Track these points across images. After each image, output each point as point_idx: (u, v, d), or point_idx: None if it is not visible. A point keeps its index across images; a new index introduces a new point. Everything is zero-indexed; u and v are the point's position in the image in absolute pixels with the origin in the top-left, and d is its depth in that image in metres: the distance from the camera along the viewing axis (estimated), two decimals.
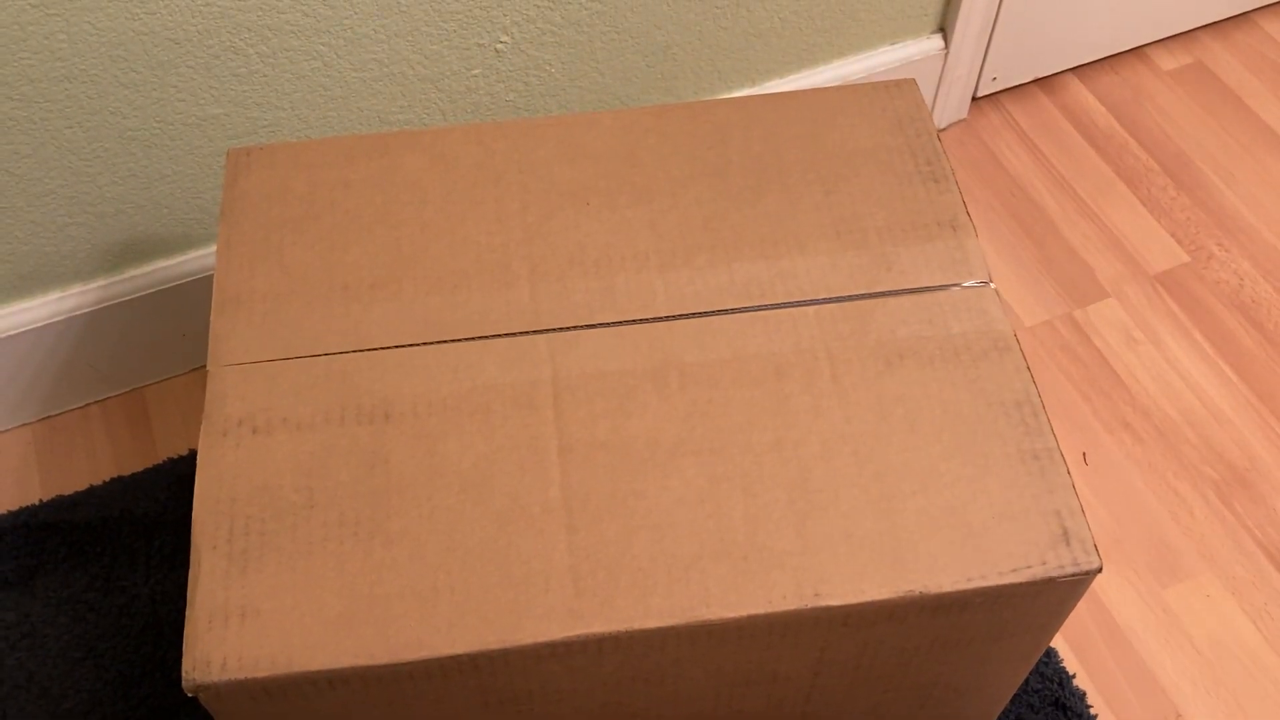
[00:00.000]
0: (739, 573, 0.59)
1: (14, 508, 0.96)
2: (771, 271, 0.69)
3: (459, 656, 0.57)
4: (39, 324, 0.94)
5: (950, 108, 1.20)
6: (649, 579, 0.58)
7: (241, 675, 0.56)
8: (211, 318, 0.67)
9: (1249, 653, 0.90)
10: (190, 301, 0.98)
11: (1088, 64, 1.27)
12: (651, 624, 0.58)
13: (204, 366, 1.05)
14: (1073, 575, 0.59)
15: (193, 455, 0.98)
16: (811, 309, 0.67)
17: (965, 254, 0.70)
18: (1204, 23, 1.29)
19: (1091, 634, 0.91)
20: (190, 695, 0.56)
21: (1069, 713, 0.86)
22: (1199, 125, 1.22)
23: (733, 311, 0.67)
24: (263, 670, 0.56)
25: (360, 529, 0.60)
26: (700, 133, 0.75)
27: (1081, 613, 0.92)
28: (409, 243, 0.70)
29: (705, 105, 0.77)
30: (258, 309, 0.67)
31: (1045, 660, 0.88)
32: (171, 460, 0.97)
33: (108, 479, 0.97)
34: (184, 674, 0.56)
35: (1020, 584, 0.59)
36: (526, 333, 0.66)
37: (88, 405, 1.02)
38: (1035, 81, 1.26)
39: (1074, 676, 0.88)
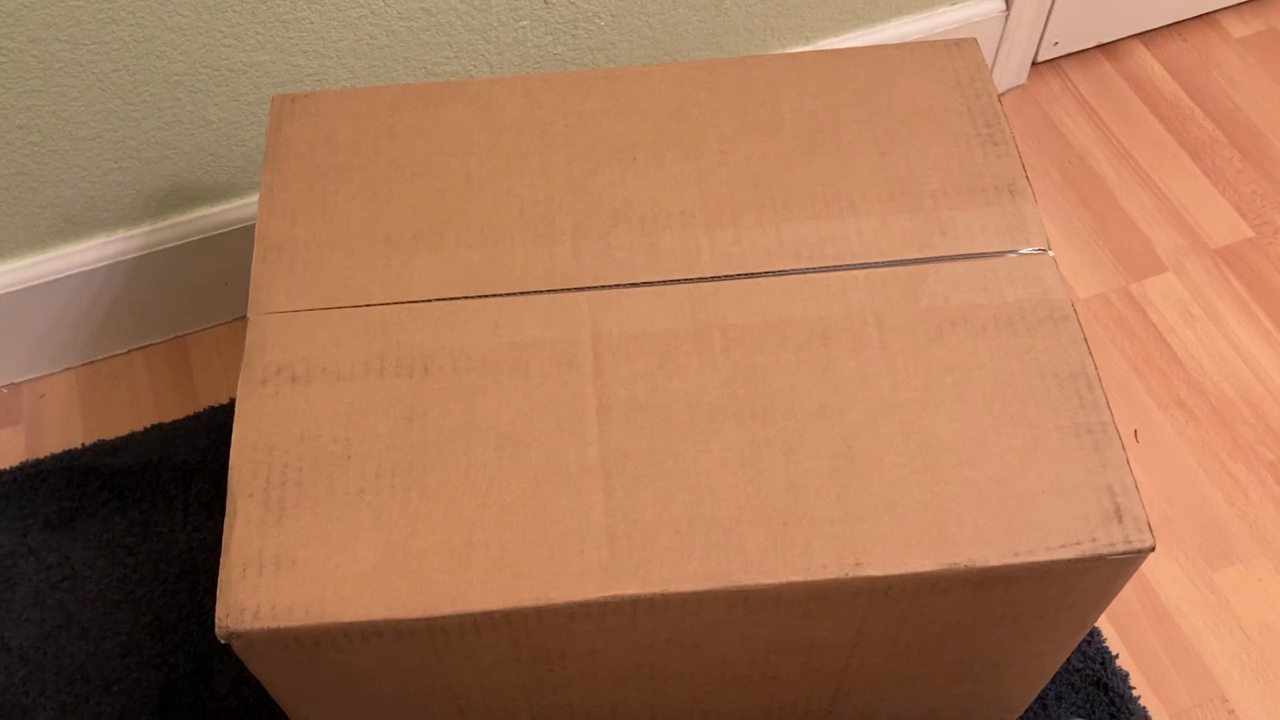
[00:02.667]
0: (778, 539, 0.57)
1: (57, 450, 0.97)
2: (821, 233, 0.67)
3: (492, 613, 0.56)
4: (84, 268, 0.94)
5: (1010, 72, 1.17)
6: (686, 542, 0.57)
7: (275, 624, 0.55)
8: (253, 265, 0.66)
9: None
10: (233, 250, 0.98)
11: (1154, 30, 1.23)
12: (687, 588, 0.57)
13: (245, 315, 1.05)
14: (1124, 554, 0.57)
15: (233, 404, 0.98)
16: (861, 273, 0.66)
17: (1023, 220, 0.68)
18: None
19: (1136, 614, 0.89)
20: (224, 642, 0.56)
21: (1110, 693, 0.84)
22: (1269, 95, 1.18)
23: (780, 273, 0.66)
24: (296, 620, 0.55)
25: (397, 481, 0.59)
26: (752, 89, 0.73)
27: (1127, 592, 0.90)
28: (452, 194, 0.69)
29: (757, 61, 0.74)
30: (299, 257, 0.67)
31: (1088, 639, 0.87)
32: (212, 409, 0.98)
33: (148, 425, 0.97)
34: (217, 621, 0.56)
35: (1069, 560, 0.57)
36: (568, 289, 0.65)
37: (131, 352, 1.03)
38: (1099, 47, 1.22)
39: (1117, 656, 0.86)
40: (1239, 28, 1.23)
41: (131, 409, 0.99)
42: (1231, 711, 0.85)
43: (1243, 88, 1.18)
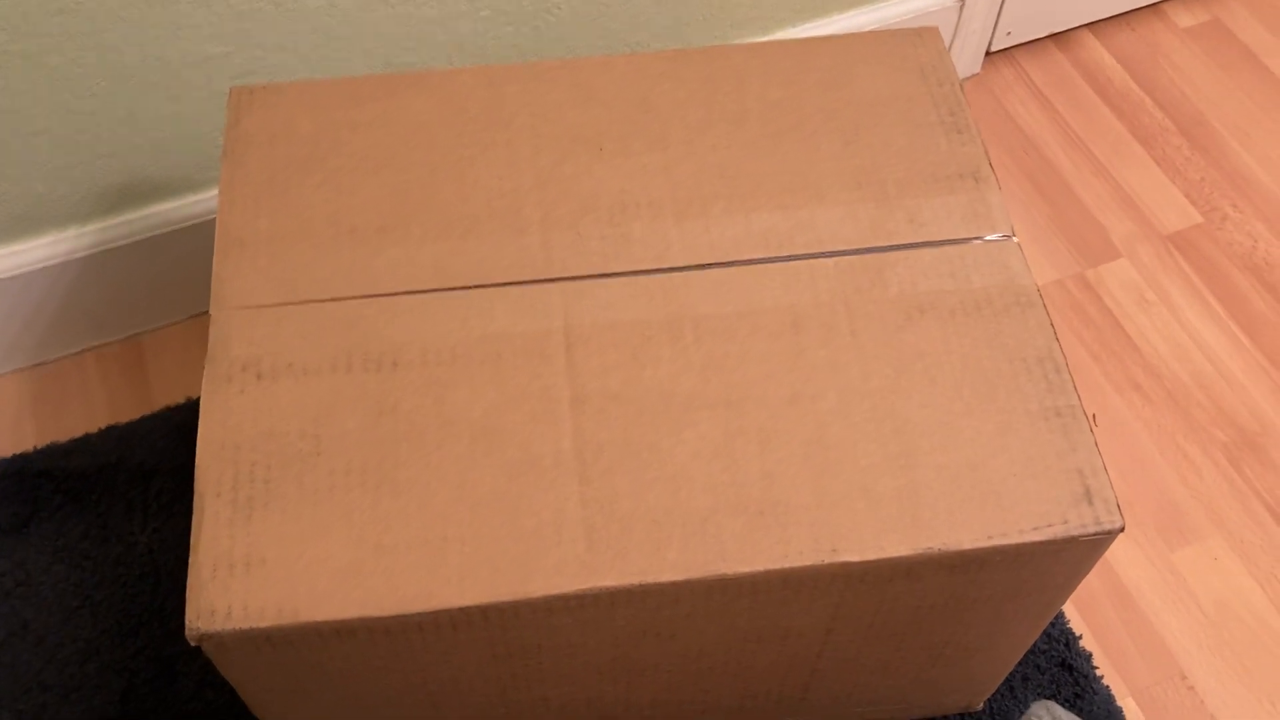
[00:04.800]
0: (755, 527, 0.58)
1: (6, 455, 0.94)
2: (789, 222, 0.67)
3: (468, 608, 0.56)
4: (33, 267, 0.92)
5: (964, 62, 1.18)
6: (663, 532, 0.57)
7: (246, 625, 0.54)
8: (214, 260, 0.65)
9: (1255, 615, 0.89)
10: (189, 246, 0.96)
11: (1104, 20, 1.24)
12: (665, 578, 0.56)
13: (203, 313, 1.03)
14: (1094, 534, 0.58)
15: (191, 404, 0.96)
16: (830, 261, 0.66)
17: (988, 207, 0.68)
18: None
19: (1098, 595, 0.90)
20: (194, 645, 0.55)
21: (1075, 673, 0.85)
22: (1215, 84, 1.20)
23: (750, 263, 0.66)
24: (268, 620, 0.55)
25: (368, 478, 0.58)
26: (717, 79, 0.73)
27: (1089, 575, 0.91)
28: (418, 186, 0.68)
29: (722, 50, 0.74)
30: (262, 251, 0.65)
31: (1052, 621, 0.88)
32: (169, 408, 0.96)
33: (103, 427, 0.95)
34: (187, 623, 0.54)
35: (1041, 543, 0.58)
36: (538, 281, 0.65)
37: (83, 352, 1.00)
38: (1050, 37, 1.23)
39: (1080, 637, 0.87)
40: (1185, 18, 1.25)
41: (85, 410, 0.97)
42: (1191, 687, 0.86)
43: (1189, 77, 1.21)
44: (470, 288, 0.64)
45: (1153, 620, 0.89)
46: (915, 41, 0.75)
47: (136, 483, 0.91)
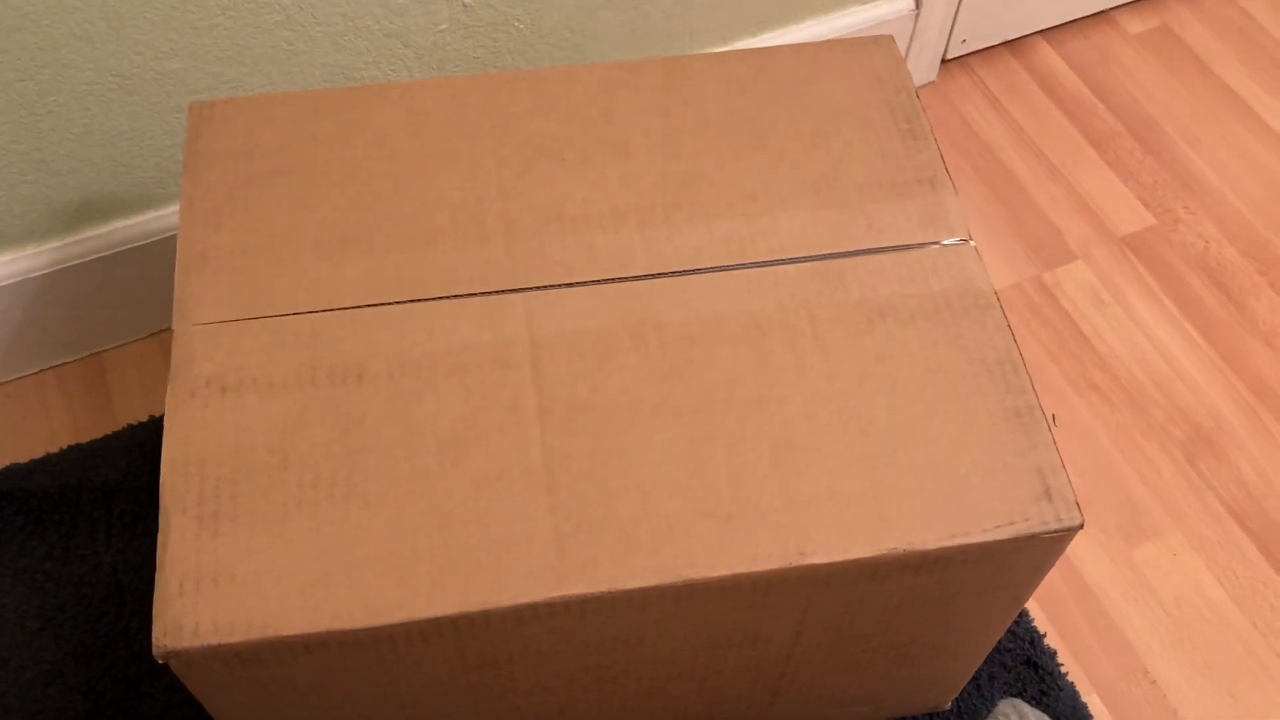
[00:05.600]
0: (724, 532, 0.58)
1: None
2: (752, 229, 0.68)
3: (439, 619, 0.56)
4: None
5: (920, 70, 1.20)
6: (633, 539, 0.58)
7: (215, 640, 0.54)
8: (176, 275, 0.65)
9: (1214, 610, 0.91)
10: (149, 263, 0.95)
11: (1056, 27, 1.27)
12: (636, 584, 0.57)
13: (164, 331, 1.02)
14: (1055, 531, 0.59)
15: (153, 421, 0.95)
16: (792, 267, 0.67)
17: (945, 211, 0.69)
18: None
19: (1061, 593, 0.92)
20: (161, 662, 0.54)
21: (1040, 670, 0.86)
22: (1166, 89, 1.22)
23: (713, 270, 0.66)
24: (237, 635, 0.54)
25: (336, 490, 0.58)
26: (677, 88, 0.74)
27: (1051, 573, 0.93)
28: (381, 199, 0.68)
29: (682, 61, 0.75)
30: (225, 266, 0.65)
31: (1017, 620, 0.89)
32: (131, 427, 0.95)
33: (65, 446, 0.94)
34: (154, 640, 0.54)
35: (1003, 540, 0.59)
36: (503, 291, 0.65)
37: (42, 371, 0.99)
38: (1004, 44, 1.25)
39: (1044, 635, 0.89)
40: (1135, 25, 1.28)
41: (45, 430, 0.96)
42: (1153, 682, 0.88)
43: (1140, 82, 1.23)
44: (435, 299, 0.64)
45: (1114, 617, 0.91)
46: (871, 50, 0.76)
47: (99, 502, 0.90)
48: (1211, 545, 0.94)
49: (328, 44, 0.87)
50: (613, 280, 0.66)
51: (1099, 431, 1.00)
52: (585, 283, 0.65)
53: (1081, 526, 0.60)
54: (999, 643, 0.88)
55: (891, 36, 0.77)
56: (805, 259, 0.67)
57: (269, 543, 0.57)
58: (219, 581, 0.56)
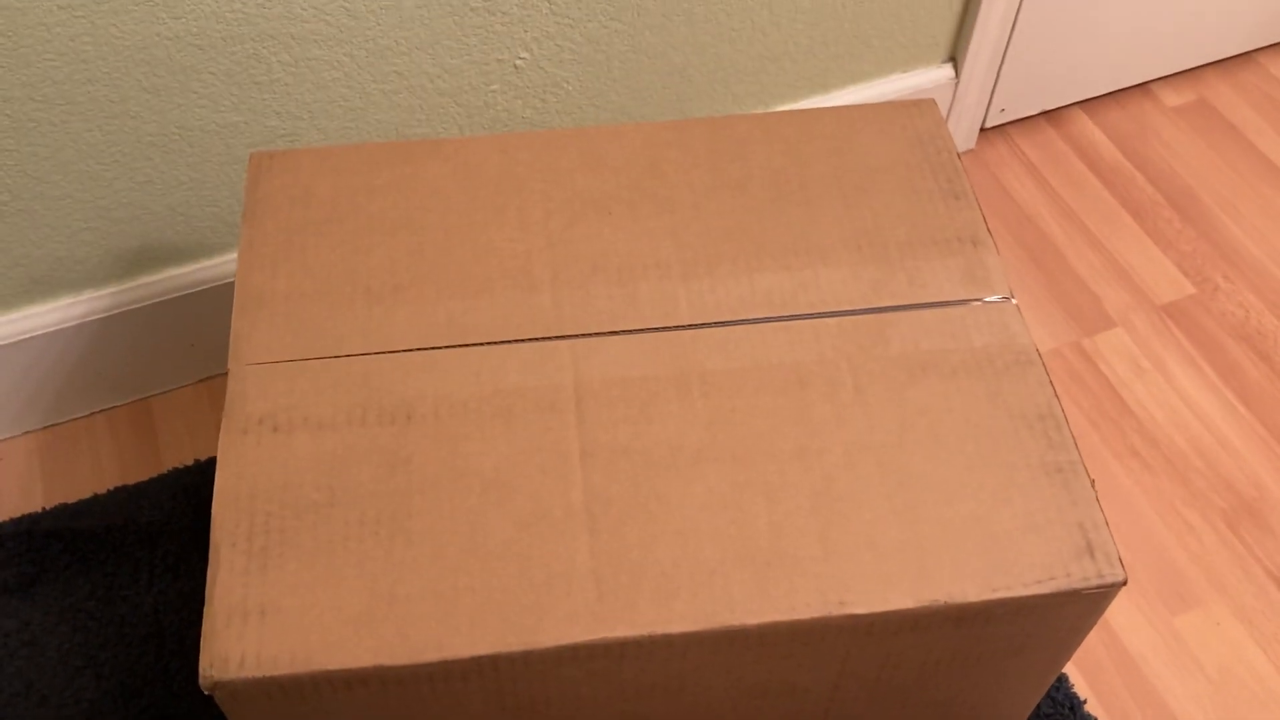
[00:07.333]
0: (762, 579, 0.58)
1: (16, 515, 0.95)
2: (793, 282, 0.69)
3: (479, 658, 0.56)
4: (48, 329, 0.93)
5: (959, 137, 1.21)
6: (672, 584, 0.58)
7: (260, 673, 0.55)
8: (233, 317, 0.67)
9: (1259, 680, 0.89)
10: (201, 311, 0.98)
11: (1094, 98, 1.28)
12: (674, 629, 0.57)
13: (212, 377, 1.04)
14: (1097, 587, 0.59)
15: (199, 465, 0.97)
16: (834, 320, 0.68)
17: (986, 269, 0.70)
18: (1207, 61, 1.31)
19: (1102, 660, 0.90)
20: (207, 693, 0.55)
21: None
22: (1203, 160, 1.23)
23: (755, 321, 0.67)
24: (281, 668, 0.55)
25: (381, 528, 0.59)
26: (721, 146, 0.76)
27: (1092, 639, 0.92)
28: (432, 247, 0.70)
29: (726, 120, 0.77)
30: (280, 309, 0.67)
31: (1056, 686, 0.88)
32: (177, 470, 0.97)
33: (112, 487, 0.96)
34: (201, 671, 0.55)
35: (1044, 595, 0.59)
36: (549, 338, 0.66)
37: (93, 414, 1.02)
38: (1042, 114, 1.27)
39: (1085, 702, 0.87)
40: (1172, 97, 1.29)
41: (94, 471, 0.98)
42: None
43: (1178, 153, 1.24)
44: (483, 344, 0.66)
45: (1157, 686, 0.89)
46: (913, 112, 0.78)
47: (143, 543, 0.92)
48: (1256, 615, 0.93)
49: (383, 101, 0.90)
50: (657, 329, 0.67)
51: (1140, 499, 0.99)
52: (630, 331, 0.66)
53: (1125, 583, 0.59)
54: (1038, 709, 0.87)
55: (933, 100, 0.79)
56: (847, 313, 0.68)
57: (315, 578, 0.58)
58: (265, 615, 0.56)
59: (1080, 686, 0.89)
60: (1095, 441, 1.02)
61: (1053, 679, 0.69)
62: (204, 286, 0.97)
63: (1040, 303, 1.12)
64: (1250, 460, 1.01)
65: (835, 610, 0.58)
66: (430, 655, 0.56)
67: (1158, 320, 1.11)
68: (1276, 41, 1.33)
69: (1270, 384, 1.06)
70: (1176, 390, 1.06)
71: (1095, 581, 0.59)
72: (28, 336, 0.93)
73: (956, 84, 1.15)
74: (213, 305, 0.98)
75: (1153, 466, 1.01)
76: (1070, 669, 0.90)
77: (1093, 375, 1.07)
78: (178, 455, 0.99)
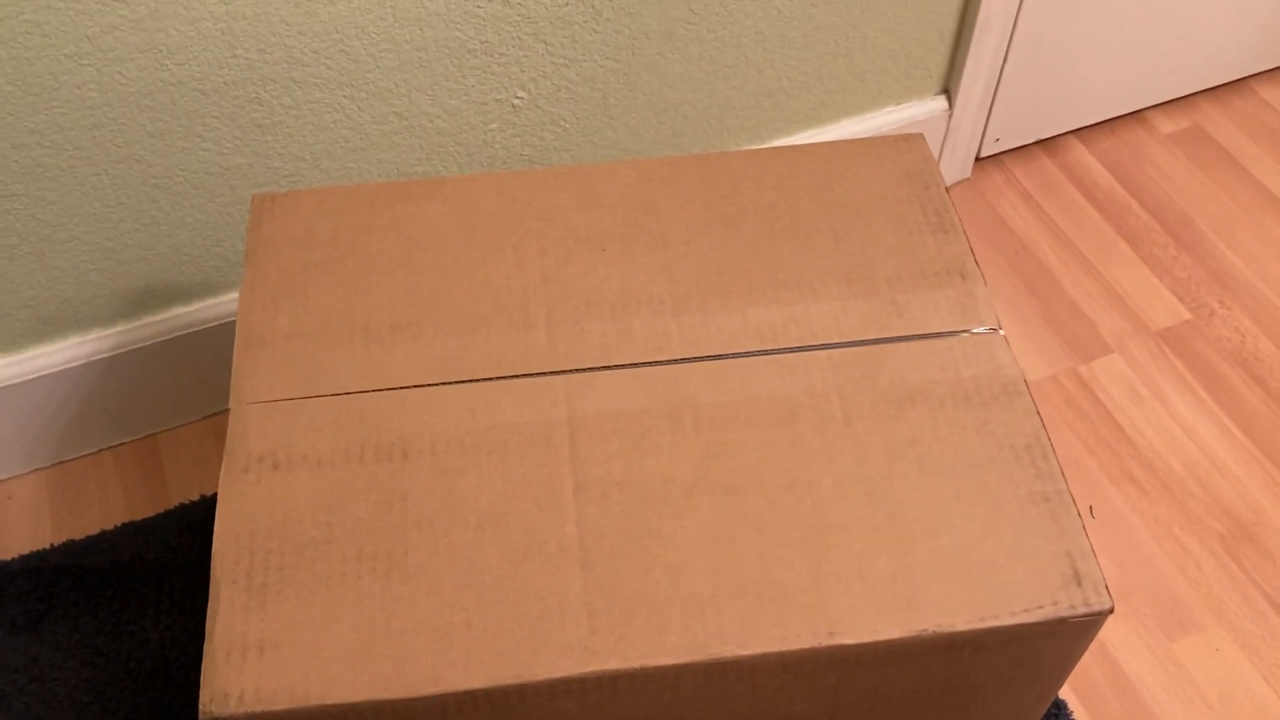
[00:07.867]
0: (754, 611, 0.59)
1: (25, 552, 0.96)
2: (784, 316, 0.70)
3: (474, 691, 0.57)
4: (56, 369, 0.95)
5: (954, 167, 1.23)
6: (664, 616, 0.59)
7: (259, 708, 0.56)
8: (234, 356, 0.68)
9: (1259, 706, 0.90)
10: (207, 348, 0.99)
11: (1088, 126, 1.30)
12: (667, 661, 0.58)
13: (217, 413, 1.06)
14: (1084, 615, 0.60)
15: (205, 500, 0.98)
16: (824, 353, 0.69)
17: (974, 301, 0.71)
18: (1201, 88, 1.32)
19: (1101, 687, 0.91)
20: None
21: None
22: (1198, 187, 1.24)
23: (746, 355, 0.69)
24: (280, 703, 0.56)
25: (378, 564, 0.60)
26: (714, 182, 0.77)
27: (1090, 665, 0.92)
28: (430, 286, 0.71)
29: (719, 156, 0.79)
30: (280, 348, 0.68)
31: (1055, 712, 0.88)
32: (183, 505, 0.98)
33: (119, 524, 0.97)
34: (201, 707, 0.56)
35: (1033, 624, 0.59)
36: (543, 374, 0.67)
37: (100, 451, 1.03)
38: (1037, 143, 1.28)
39: None
40: (1166, 125, 1.31)
41: (101, 508, 0.99)
42: None
43: (1172, 180, 1.25)
44: (478, 381, 0.67)
45: (1156, 711, 0.90)
46: (902, 147, 0.79)
47: (150, 579, 0.93)
48: (1255, 641, 0.93)
49: (383, 141, 0.92)
50: (649, 364, 0.68)
51: (1137, 524, 1.00)
52: (623, 365, 0.68)
53: (1111, 611, 0.60)
54: None
55: (922, 135, 0.80)
56: (837, 345, 0.69)
57: (313, 614, 0.59)
58: (264, 651, 0.58)
59: (1079, 713, 0.89)
60: (1092, 468, 1.03)
61: (1046, 706, 0.69)
62: (209, 325, 0.98)
63: (1037, 330, 1.13)
64: (1247, 485, 1.02)
65: (825, 641, 0.58)
66: (427, 689, 0.57)
67: (1154, 346, 1.12)
68: (1270, 68, 1.34)
69: (1266, 408, 1.07)
70: (1173, 416, 1.06)
71: (1083, 609, 0.60)
72: (36, 376, 0.94)
73: (951, 115, 1.16)
74: (218, 343, 1.00)
75: (1150, 492, 1.01)
76: (1069, 695, 0.90)
77: (1089, 402, 1.08)
78: (184, 491, 1.00)
